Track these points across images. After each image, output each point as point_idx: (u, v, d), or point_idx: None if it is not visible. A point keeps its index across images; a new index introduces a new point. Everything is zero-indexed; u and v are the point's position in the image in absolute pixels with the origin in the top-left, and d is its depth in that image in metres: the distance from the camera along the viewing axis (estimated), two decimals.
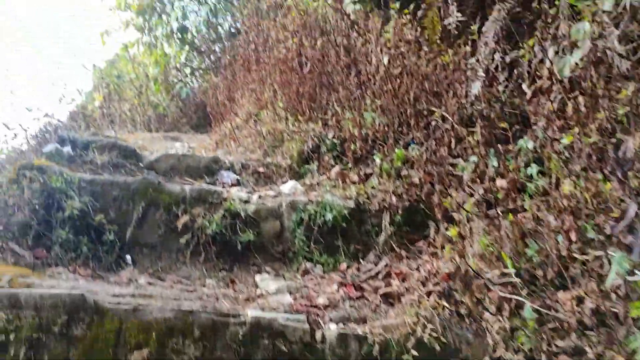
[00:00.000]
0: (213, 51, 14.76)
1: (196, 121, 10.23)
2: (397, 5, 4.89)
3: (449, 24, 4.67)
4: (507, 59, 4.28)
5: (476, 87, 4.17)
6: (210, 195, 3.85)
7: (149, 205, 3.68)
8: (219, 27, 14.64)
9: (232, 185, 4.60)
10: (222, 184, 4.62)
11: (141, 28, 13.76)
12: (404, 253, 3.84)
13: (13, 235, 3.18)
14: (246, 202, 3.96)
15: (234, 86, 8.16)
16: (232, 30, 14.45)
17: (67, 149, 4.26)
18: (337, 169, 4.57)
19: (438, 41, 4.87)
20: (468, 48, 4.52)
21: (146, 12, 13.49)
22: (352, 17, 5.52)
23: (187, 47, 13.53)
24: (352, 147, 4.65)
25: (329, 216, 3.84)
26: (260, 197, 4.12)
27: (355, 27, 5.28)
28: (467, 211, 3.53)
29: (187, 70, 10.53)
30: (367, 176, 4.50)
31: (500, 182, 3.89)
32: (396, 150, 4.29)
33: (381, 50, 4.65)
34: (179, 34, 13.29)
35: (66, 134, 4.47)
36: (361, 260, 3.87)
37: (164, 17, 12.66)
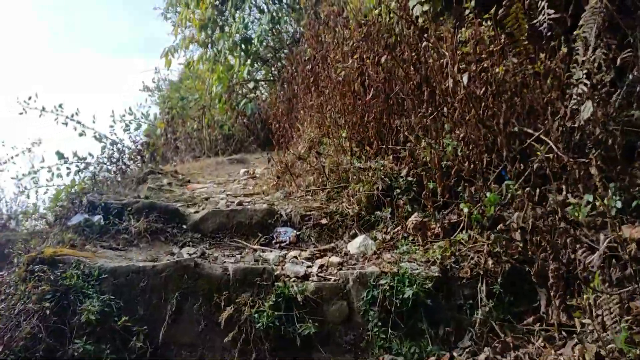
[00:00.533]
0: (278, 59, 14.28)
1: (263, 138, 9.67)
2: (472, 3, 3.96)
3: (538, 23, 3.67)
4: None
5: (588, 110, 3.18)
6: (258, 276, 3.13)
7: (184, 295, 3.03)
8: (283, 35, 14.08)
9: (290, 242, 3.90)
10: (279, 242, 3.93)
11: (204, 43, 13.43)
12: (509, 336, 2.96)
13: (17, 355, 2.62)
14: (304, 278, 3.23)
15: (296, 106, 7.46)
16: (297, 37, 13.84)
17: (98, 218, 3.72)
18: (414, 217, 3.72)
19: (526, 45, 3.90)
20: (564, 50, 3.53)
21: (208, 27, 13.16)
22: (420, 21, 4.64)
23: (249, 60, 13.03)
24: (431, 186, 3.79)
25: (409, 292, 3.03)
26: (321, 268, 3.38)
27: (425, 35, 4.39)
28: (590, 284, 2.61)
29: (251, 85, 9.97)
30: (453, 226, 3.64)
31: (630, 231, 2.95)
32: (487, 192, 3.39)
33: (459, 68, 3.75)
34: (242, 45, 12.84)
35: (98, 199, 3.92)
36: (454, 348, 3.03)
37: (226, 29, 12.27)
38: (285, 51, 13.78)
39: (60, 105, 10.81)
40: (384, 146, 4.43)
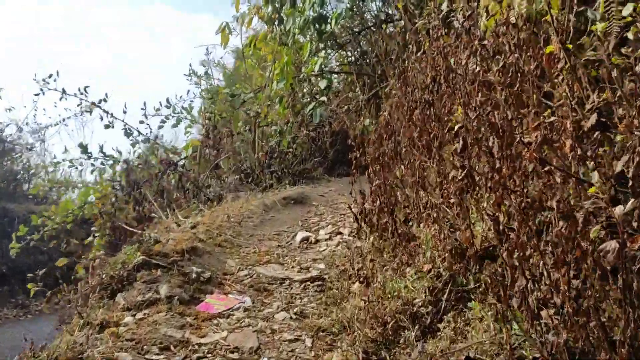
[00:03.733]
0: (357, 44, 11.78)
1: (332, 158, 7.30)
2: None
3: None
4: None
5: None
6: None
7: None
8: (367, 14, 11.52)
9: None
10: None
11: (270, 20, 11.10)
12: None
13: None
14: None
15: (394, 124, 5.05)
16: (382, 18, 11.26)
17: None
18: None
19: None
20: None
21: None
22: None
23: (323, 45, 10.60)
24: None
25: None
26: None
27: None
28: None
29: (323, 84, 7.53)
30: None
31: None
32: None
33: None
34: (315, 24, 10.45)
35: None
36: None
37: (298, 2, 9.91)
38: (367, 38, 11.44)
39: (85, 89, 8.82)
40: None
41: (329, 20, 10.81)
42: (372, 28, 11.58)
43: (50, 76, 8.28)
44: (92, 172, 8.26)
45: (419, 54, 5.37)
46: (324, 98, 7.06)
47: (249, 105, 7.37)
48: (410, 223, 3.58)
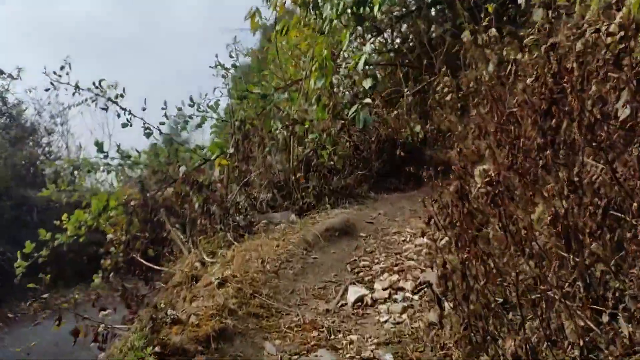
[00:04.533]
0: (399, 30, 10.74)
1: (379, 169, 6.38)
2: None
3: None
4: None
5: None
6: None
7: None
8: None
9: None
10: None
11: (304, 3, 10.11)
12: None
13: None
14: None
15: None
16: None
17: None
18: None
19: None
20: None
21: None
22: None
23: (367, 37, 9.74)
24: None
25: None
26: None
27: None
28: None
29: (368, 84, 6.58)
30: None
31: None
32: None
33: None
34: (354, 8, 9.47)
35: None
36: None
37: None
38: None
39: (100, 82, 7.99)
40: None
41: (368, 3, 9.80)
42: (415, 12, 10.52)
43: (62, 68, 7.50)
44: (107, 172, 7.53)
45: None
46: (368, 100, 6.11)
47: (283, 104, 6.46)
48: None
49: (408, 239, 4.61)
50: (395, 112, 6.50)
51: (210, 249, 4.49)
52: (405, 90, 6.86)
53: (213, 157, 7.36)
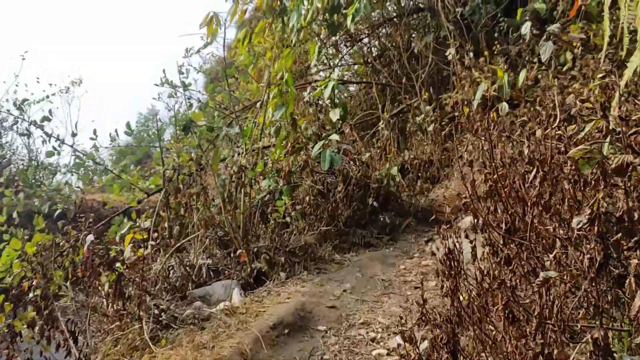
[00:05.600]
0: (377, 37, 9.65)
1: (346, 219, 5.29)
2: None
3: None
4: None
5: None
6: None
7: None
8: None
9: None
10: None
11: (270, 11, 9.04)
12: None
13: None
14: None
15: None
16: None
17: None
18: None
19: None
20: None
21: None
22: None
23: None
24: None
25: None
26: None
27: None
28: None
29: (336, 115, 5.47)
30: None
31: None
32: None
33: None
34: (326, 16, 8.45)
35: None
36: None
37: None
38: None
39: (22, 102, 6.78)
40: None
41: (342, 10, 8.78)
42: (394, 20, 9.44)
43: None
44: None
45: None
46: (336, 137, 5.01)
47: (233, 142, 5.35)
48: None
49: (379, 337, 3.55)
50: (368, 153, 5.42)
51: (119, 353, 3.38)
52: (381, 123, 5.78)
53: (153, 192, 6.22)
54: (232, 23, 8.37)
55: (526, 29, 4.05)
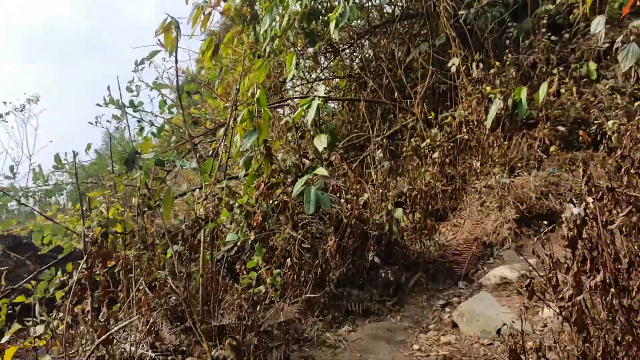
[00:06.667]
0: (360, 47, 8.54)
1: (338, 279, 4.10)
2: None
3: None
4: None
5: None
6: None
7: None
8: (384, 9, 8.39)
9: None
10: None
11: (239, 16, 7.93)
12: None
13: None
14: None
15: None
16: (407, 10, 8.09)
17: None
18: None
19: None
20: None
21: None
22: None
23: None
24: None
25: None
26: None
27: None
28: None
29: (323, 143, 4.27)
30: None
31: None
32: None
33: None
34: (304, 23, 7.37)
35: None
36: None
37: None
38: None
39: None
40: None
41: (320, 15, 7.71)
42: (384, 26, 8.32)
43: None
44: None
45: None
46: (323, 171, 3.82)
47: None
48: None
49: None
50: (367, 194, 4.24)
51: None
52: (372, 146, 4.62)
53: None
54: (196, 32, 7.19)
55: (599, 25, 2.86)
